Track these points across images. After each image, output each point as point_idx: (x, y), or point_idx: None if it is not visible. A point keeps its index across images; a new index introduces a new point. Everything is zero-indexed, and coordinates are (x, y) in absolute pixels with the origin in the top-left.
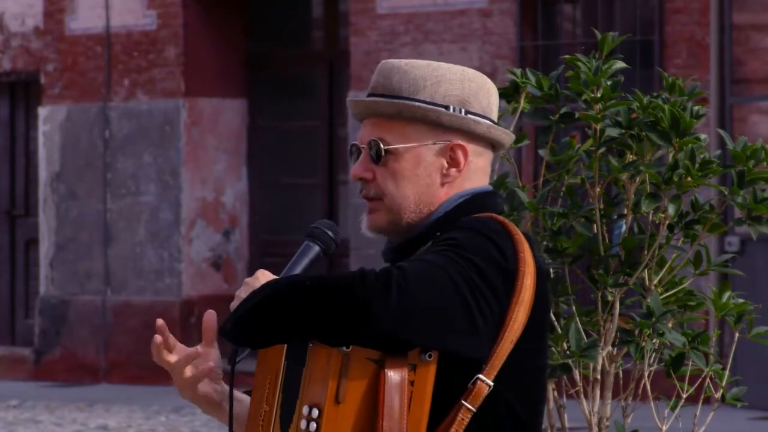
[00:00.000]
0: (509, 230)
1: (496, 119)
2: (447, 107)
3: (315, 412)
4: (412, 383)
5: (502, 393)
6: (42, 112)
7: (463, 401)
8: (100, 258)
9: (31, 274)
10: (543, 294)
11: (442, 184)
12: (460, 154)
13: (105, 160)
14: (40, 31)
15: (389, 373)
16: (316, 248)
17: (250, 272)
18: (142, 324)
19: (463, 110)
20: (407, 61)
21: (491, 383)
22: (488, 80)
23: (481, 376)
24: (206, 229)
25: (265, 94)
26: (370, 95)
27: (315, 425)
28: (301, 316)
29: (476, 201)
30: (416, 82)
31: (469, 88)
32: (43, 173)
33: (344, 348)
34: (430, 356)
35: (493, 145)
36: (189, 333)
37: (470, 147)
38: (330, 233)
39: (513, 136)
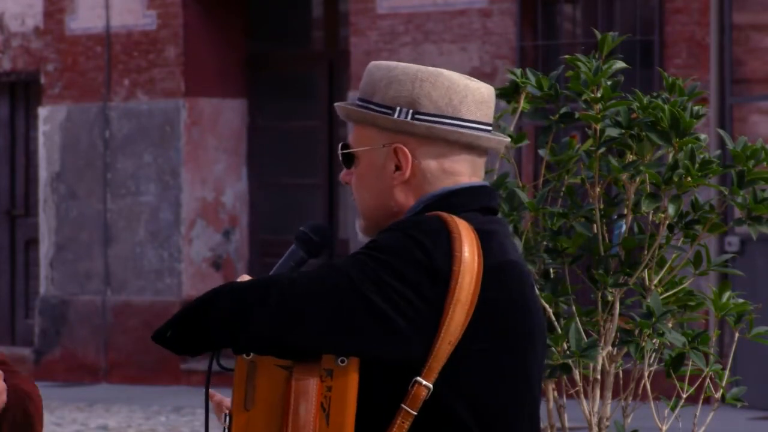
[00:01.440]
0: (449, 229)
1: (469, 117)
2: (393, 109)
3: (227, 419)
4: (329, 389)
5: (443, 396)
6: (42, 112)
7: (402, 405)
8: (100, 258)
9: (31, 274)
10: (498, 294)
11: (394, 187)
12: (402, 158)
13: (105, 160)
14: (40, 31)
15: (296, 380)
16: (300, 253)
17: (251, 272)
18: (142, 324)
19: (410, 111)
20: (379, 63)
21: (430, 386)
22: (454, 78)
23: (418, 378)
24: (206, 229)
25: (265, 94)
26: None
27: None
28: (203, 326)
29: (440, 201)
30: (374, 85)
31: (421, 88)
32: (43, 173)
33: (245, 355)
34: (343, 361)
35: (468, 146)
36: None
37: (420, 149)
38: (314, 237)
39: (474, 134)
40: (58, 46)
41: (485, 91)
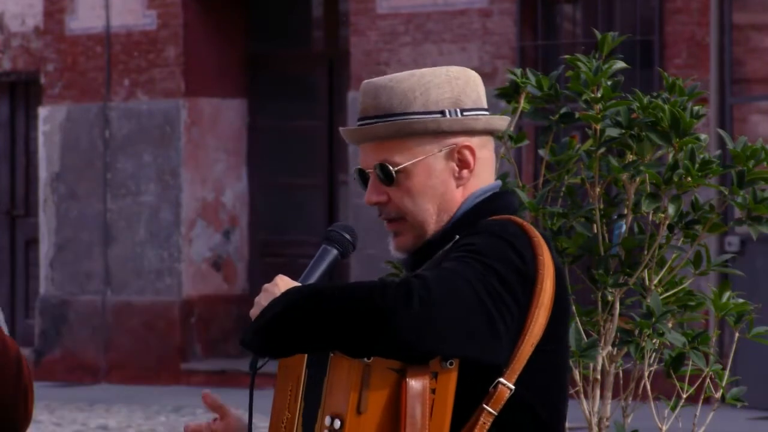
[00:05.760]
0: (528, 233)
1: (486, 105)
2: (442, 112)
3: (337, 423)
4: (433, 391)
5: (523, 395)
6: (42, 112)
7: (484, 405)
8: (100, 258)
9: (31, 274)
10: (562, 295)
11: (459, 187)
12: (468, 155)
13: (105, 160)
14: (40, 31)
15: (411, 383)
16: (334, 252)
17: (251, 272)
18: (142, 324)
19: (458, 110)
20: (389, 77)
21: (512, 386)
22: (469, 71)
23: (502, 379)
24: (206, 229)
25: (265, 94)
26: (361, 118)
27: None
28: (322, 328)
29: (494, 201)
30: (406, 96)
31: (457, 86)
32: (43, 173)
33: (365, 359)
34: (451, 364)
35: (494, 132)
36: (189, 333)
37: (475, 143)
38: (347, 236)
39: (507, 119)
40: (58, 46)
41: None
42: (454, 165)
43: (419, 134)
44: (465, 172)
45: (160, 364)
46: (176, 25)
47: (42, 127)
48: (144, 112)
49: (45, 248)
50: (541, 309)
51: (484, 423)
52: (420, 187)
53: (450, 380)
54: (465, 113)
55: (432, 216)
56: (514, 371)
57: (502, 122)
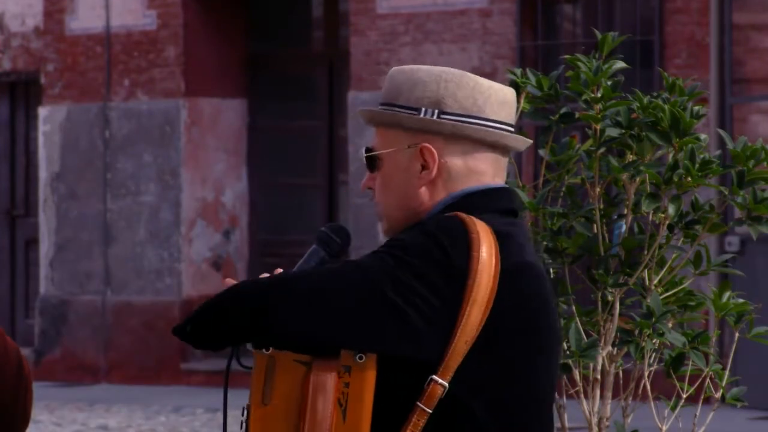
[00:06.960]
0: (468, 229)
1: (493, 117)
2: (418, 110)
3: (245, 413)
4: (347, 385)
5: (459, 394)
6: (42, 112)
7: (418, 402)
8: (100, 258)
9: (31, 274)
10: (512, 294)
11: (420, 187)
12: (428, 156)
13: (105, 160)
14: (40, 31)
15: (315, 375)
16: (321, 253)
17: (251, 272)
18: (142, 324)
19: (435, 111)
20: (401, 67)
21: (446, 384)
22: (477, 79)
23: (434, 376)
24: (206, 229)
25: (265, 94)
26: None
27: (245, 426)
28: (228, 321)
29: (460, 202)
30: (396, 88)
31: (446, 88)
32: (43, 173)
33: (264, 350)
34: (361, 358)
35: (493, 145)
36: None
37: (446, 148)
38: (335, 237)
39: (499, 133)
40: (58, 46)
41: (507, 92)
42: (418, 164)
43: (395, 126)
44: (425, 173)
45: (160, 364)
46: (176, 25)
47: (42, 127)
48: (144, 112)
49: (45, 248)
50: (474, 306)
51: (418, 421)
52: (388, 178)
53: (366, 374)
54: (443, 115)
55: (394, 209)
56: (449, 368)
57: (484, 133)
